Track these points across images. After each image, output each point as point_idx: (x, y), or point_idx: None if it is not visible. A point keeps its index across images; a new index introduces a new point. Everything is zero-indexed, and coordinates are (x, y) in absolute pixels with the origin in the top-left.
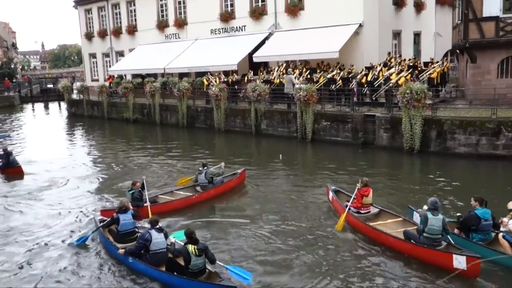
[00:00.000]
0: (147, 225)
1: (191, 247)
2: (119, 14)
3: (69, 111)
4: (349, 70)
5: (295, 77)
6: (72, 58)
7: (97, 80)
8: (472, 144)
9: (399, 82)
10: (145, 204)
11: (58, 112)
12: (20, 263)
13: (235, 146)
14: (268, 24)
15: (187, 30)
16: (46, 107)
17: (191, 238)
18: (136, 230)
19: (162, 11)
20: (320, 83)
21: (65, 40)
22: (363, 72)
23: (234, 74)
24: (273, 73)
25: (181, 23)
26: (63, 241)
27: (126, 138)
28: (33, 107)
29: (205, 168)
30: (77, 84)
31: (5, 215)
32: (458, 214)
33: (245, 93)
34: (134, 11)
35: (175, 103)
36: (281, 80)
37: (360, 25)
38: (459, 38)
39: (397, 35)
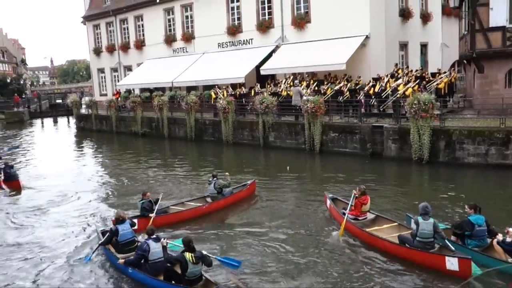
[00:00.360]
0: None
1: (188, 255)
2: (127, 29)
3: (78, 125)
4: (356, 82)
5: (302, 89)
6: (81, 73)
7: (106, 95)
8: (481, 154)
9: (406, 93)
10: (150, 215)
11: (67, 126)
12: (22, 275)
13: (243, 159)
14: (275, 37)
15: (195, 44)
16: (55, 122)
17: (188, 246)
18: (136, 239)
19: (169, 25)
20: (328, 95)
21: (73, 55)
22: (371, 84)
23: (242, 87)
24: (280, 86)
25: (188, 37)
26: (68, 254)
27: (135, 152)
28: (42, 122)
29: (215, 179)
30: (85, 99)
31: (12, 229)
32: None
33: (252, 106)
34: (142, 26)
35: (183, 117)
36: (289, 92)
37: (367, 37)
38: (466, 49)
39: (404, 46)
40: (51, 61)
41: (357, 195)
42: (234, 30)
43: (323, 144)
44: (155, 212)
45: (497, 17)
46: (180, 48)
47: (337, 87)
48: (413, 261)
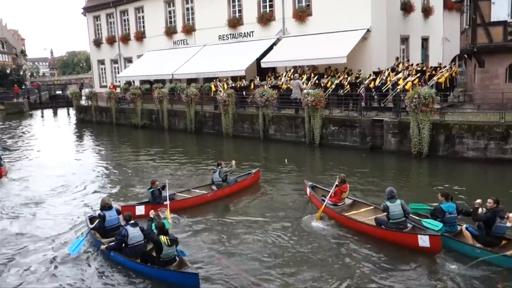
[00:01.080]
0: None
1: (163, 238)
2: (128, 20)
3: (78, 117)
4: (357, 75)
5: (303, 83)
6: (81, 65)
7: (106, 87)
8: (481, 149)
9: (406, 87)
10: (165, 203)
11: (67, 118)
12: (12, 262)
13: (243, 151)
14: (276, 29)
15: (195, 36)
16: (55, 114)
17: (162, 230)
18: (121, 225)
19: (170, 17)
20: (329, 89)
21: (73, 47)
22: (371, 77)
23: (242, 79)
24: (281, 79)
25: (189, 29)
26: (58, 240)
27: (134, 144)
28: (42, 113)
29: (219, 167)
30: (85, 91)
31: (9, 219)
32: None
33: (253, 99)
34: (143, 18)
35: (183, 109)
36: (289, 85)
37: (368, 30)
38: (467, 43)
39: (405, 40)
40: (51, 52)
41: (337, 183)
42: (235, 22)
43: (323, 138)
44: (167, 199)
45: (498, 11)
46: (181, 40)
47: (337, 81)
48: (389, 240)
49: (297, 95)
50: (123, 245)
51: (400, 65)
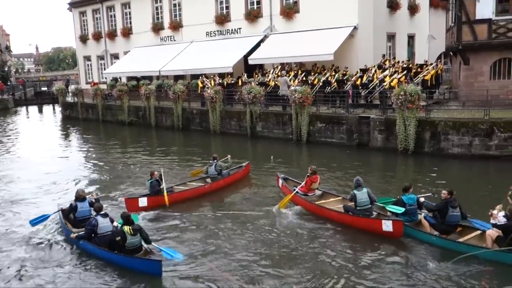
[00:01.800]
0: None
1: (127, 228)
2: (114, 16)
3: (63, 114)
4: (344, 72)
5: (290, 80)
6: (67, 61)
7: (98, 83)
8: (465, 145)
9: (392, 84)
10: (163, 192)
11: (52, 115)
12: None
13: (231, 148)
14: (264, 26)
15: (183, 33)
16: (40, 110)
17: (127, 220)
18: (92, 216)
19: (157, 13)
20: (316, 86)
21: (59, 42)
22: (358, 74)
23: (230, 76)
24: (268, 75)
25: (176, 26)
26: (31, 230)
27: (121, 141)
28: (27, 110)
29: (215, 161)
30: (71, 87)
31: None
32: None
33: (240, 95)
34: (129, 14)
35: (170, 106)
36: (276, 82)
37: (355, 28)
38: (453, 41)
39: (391, 37)
40: (36, 48)
41: (308, 174)
42: (222, 19)
43: (310, 135)
44: (165, 190)
45: (483, 9)
46: (168, 36)
47: (324, 78)
48: (356, 226)
49: (285, 92)
50: (93, 234)
51: (387, 62)
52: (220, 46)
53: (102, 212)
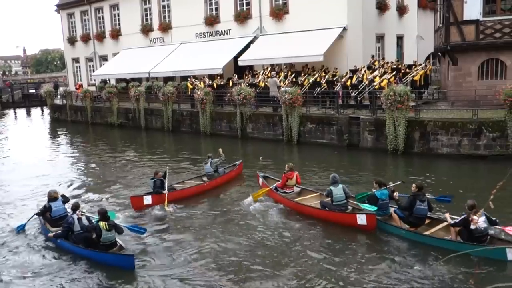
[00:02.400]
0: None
1: (102, 224)
2: (103, 18)
3: (52, 116)
4: (333, 73)
5: (280, 81)
6: (55, 63)
7: (81, 85)
8: (454, 145)
9: (382, 84)
10: (163, 192)
11: (41, 117)
12: None
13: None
14: (253, 28)
15: (172, 34)
16: (28, 113)
17: (103, 216)
18: (68, 214)
19: (146, 15)
20: (305, 86)
21: (47, 44)
22: (348, 75)
23: (220, 77)
24: (258, 77)
25: (165, 27)
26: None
27: (110, 143)
28: (15, 112)
29: (210, 159)
30: (61, 90)
31: None
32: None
33: (230, 97)
34: (118, 15)
35: (160, 107)
36: (266, 83)
37: (344, 29)
38: (441, 41)
39: (380, 38)
40: (24, 50)
41: (285, 171)
42: (211, 20)
43: (301, 135)
44: (166, 188)
45: (471, 10)
46: (157, 38)
47: (312, 79)
48: (332, 221)
49: (275, 93)
50: (70, 232)
51: (376, 63)
52: (209, 47)
53: (78, 211)
